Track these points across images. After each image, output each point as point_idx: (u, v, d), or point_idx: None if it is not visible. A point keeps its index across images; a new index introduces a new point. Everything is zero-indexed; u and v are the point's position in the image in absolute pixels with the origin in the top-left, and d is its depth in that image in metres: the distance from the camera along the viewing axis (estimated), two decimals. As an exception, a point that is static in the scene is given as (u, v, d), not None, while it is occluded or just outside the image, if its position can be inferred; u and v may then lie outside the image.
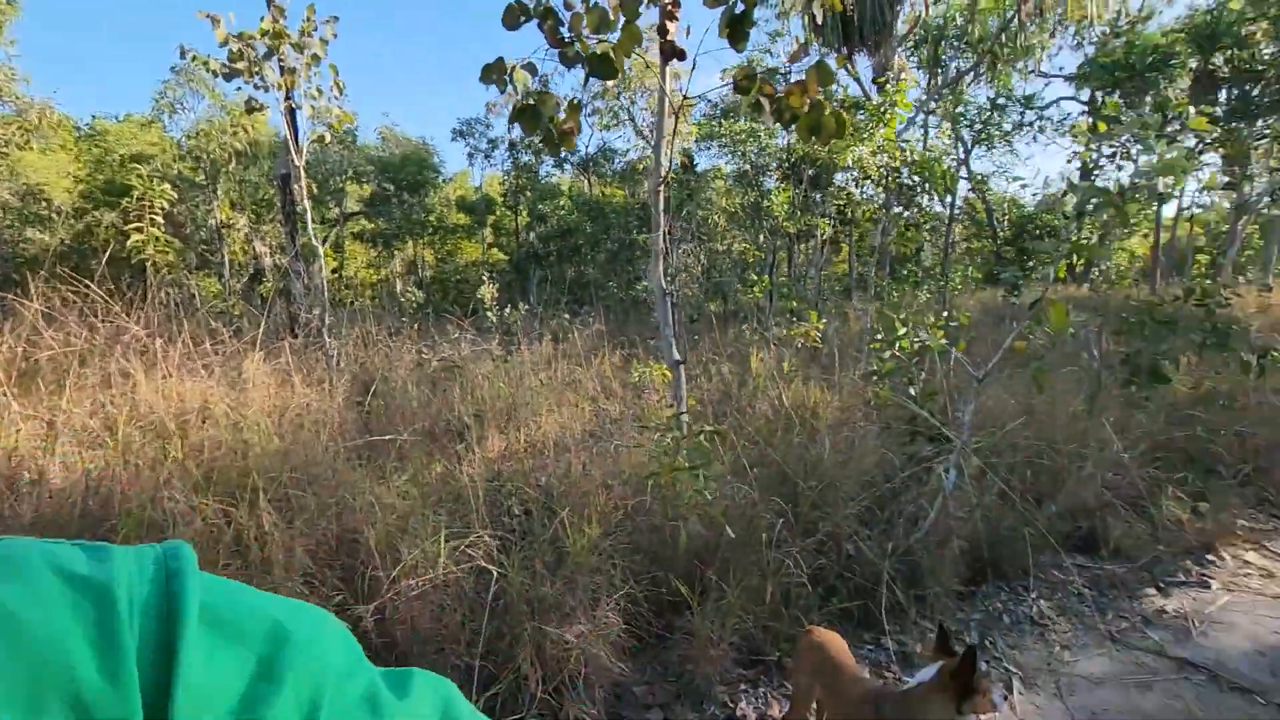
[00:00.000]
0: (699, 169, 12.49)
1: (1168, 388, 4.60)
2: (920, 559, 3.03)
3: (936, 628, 1.68)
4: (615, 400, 4.83)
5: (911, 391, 4.64)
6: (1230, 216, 17.37)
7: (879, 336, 4.50)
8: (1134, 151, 2.50)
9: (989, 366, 2.98)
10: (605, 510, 2.70)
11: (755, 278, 8.02)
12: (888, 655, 2.74)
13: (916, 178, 5.15)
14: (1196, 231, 23.17)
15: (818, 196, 8.34)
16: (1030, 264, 18.29)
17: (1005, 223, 19.14)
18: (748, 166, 11.61)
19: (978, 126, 15.59)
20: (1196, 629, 2.98)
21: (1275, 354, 3.64)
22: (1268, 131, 14.69)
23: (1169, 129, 2.34)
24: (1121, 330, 3.78)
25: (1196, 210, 22.33)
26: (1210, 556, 3.60)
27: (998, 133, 16.07)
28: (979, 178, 19.59)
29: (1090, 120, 16.95)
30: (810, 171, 9.42)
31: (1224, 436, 4.32)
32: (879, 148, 5.01)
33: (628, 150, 16.17)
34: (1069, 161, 18.47)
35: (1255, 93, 14.14)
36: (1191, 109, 2.55)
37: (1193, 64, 14.09)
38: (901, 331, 4.25)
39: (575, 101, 2.69)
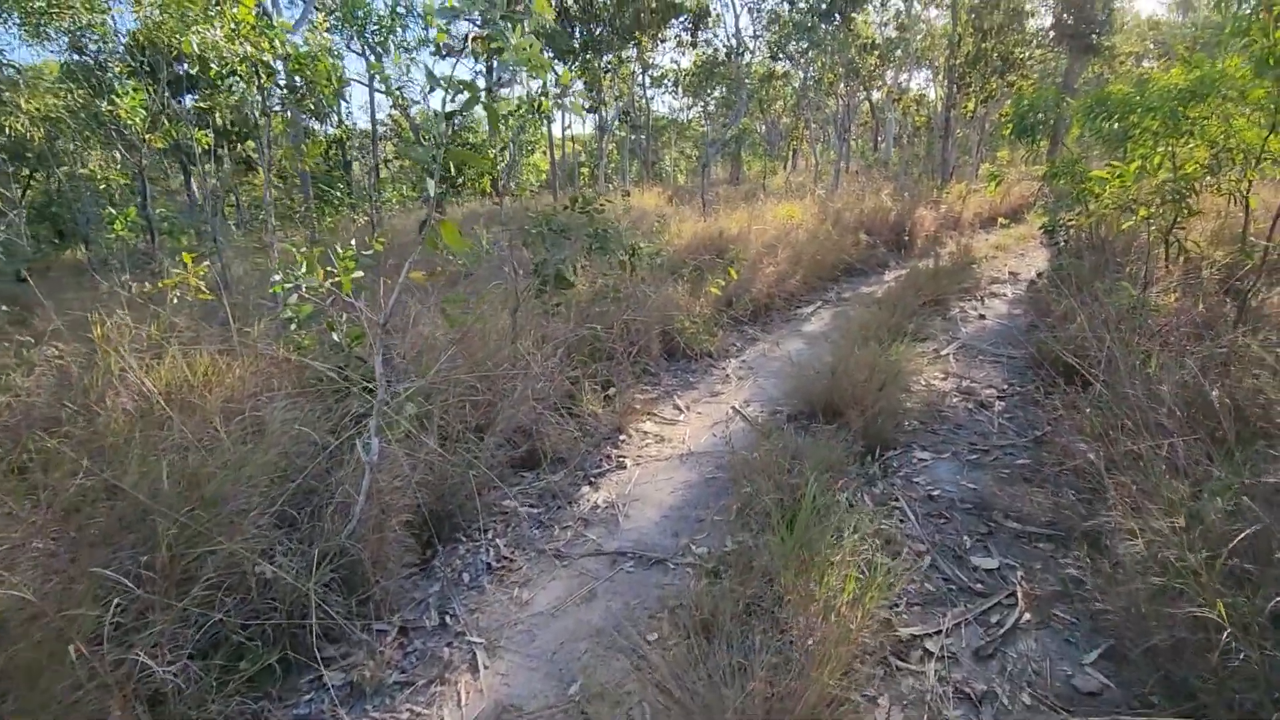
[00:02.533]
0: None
1: (573, 290, 5.03)
2: (358, 554, 2.46)
3: None
4: None
5: (336, 337, 3.92)
6: (595, 136, 21.41)
7: (275, 278, 3.58)
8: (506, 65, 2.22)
9: (388, 308, 2.46)
10: None
11: (115, 211, 5.85)
12: (330, 698, 2.13)
13: (299, 78, 4.23)
14: (578, 149, 28.19)
15: (189, 100, 6.48)
16: (459, 179, 19.24)
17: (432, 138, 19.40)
18: (86, 59, 8.46)
19: (380, 36, 14.92)
20: (622, 514, 3.26)
21: (640, 247, 4.21)
22: (610, 64, 18.29)
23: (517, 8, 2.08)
24: (526, 241, 3.81)
25: (576, 132, 27.07)
26: (622, 436, 4.09)
27: (396, 44, 15.72)
28: (397, 91, 19.23)
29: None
30: (180, 69, 7.28)
31: (616, 326, 4.97)
32: (234, 32, 3.84)
33: None
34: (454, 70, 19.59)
35: (599, 32, 17.23)
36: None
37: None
38: (304, 268, 3.43)
39: None
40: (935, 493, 3.23)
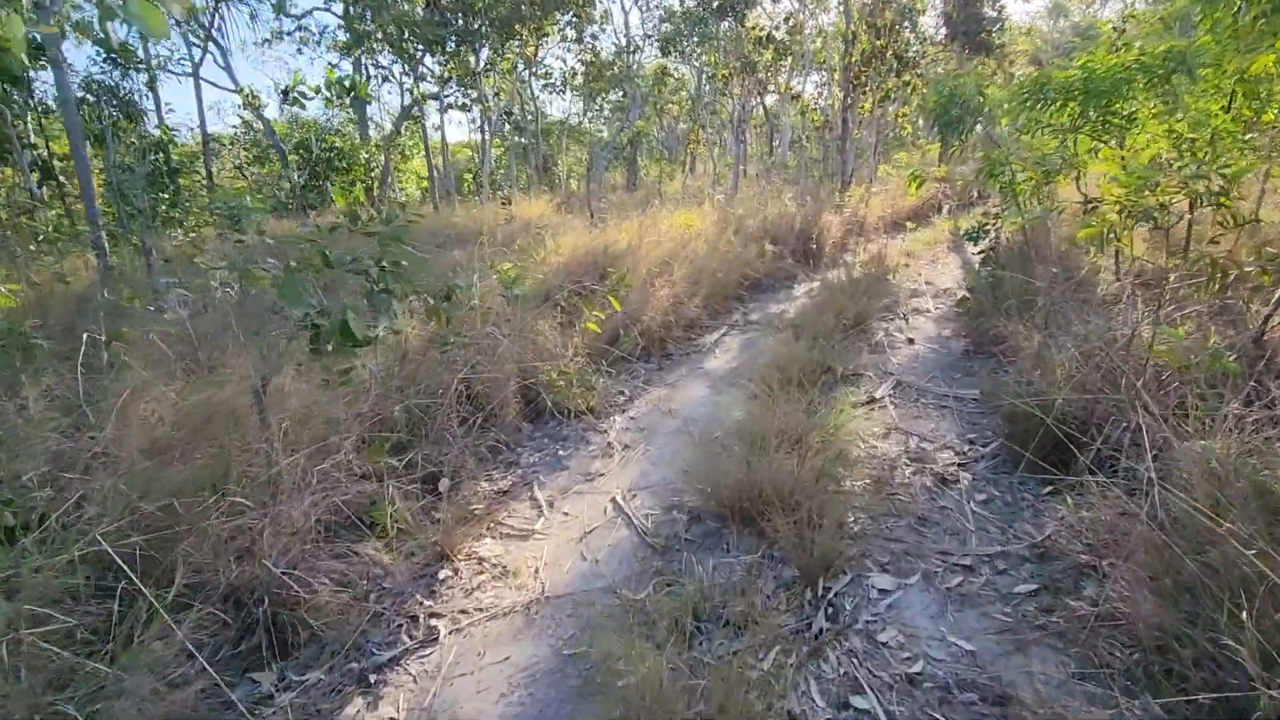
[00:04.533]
0: None
1: (390, 343, 3.60)
2: None
3: None
4: None
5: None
6: (477, 140, 19.73)
7: None
8: None
9: None
10: None
11: None
12: None
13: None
14: (462, 155, 26.29)
15: None
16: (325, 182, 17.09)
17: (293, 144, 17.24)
18: None
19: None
20: (409, 759, 1.89)
21: (459, 289, 2.86)
22: (489, 62, 16.74)
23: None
24: (253, 282, 2.38)
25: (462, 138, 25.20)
26: (445, 572, 2.71)
27: (252, 39, 13.57)
28: (249, 92, 16.84)
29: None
30: None
31: (451, 389, 3.58)
32: None
33: None
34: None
35: (476, 25, 15.64)
36: None
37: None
38: None
39: None
40: (917, 668, 2.06)
